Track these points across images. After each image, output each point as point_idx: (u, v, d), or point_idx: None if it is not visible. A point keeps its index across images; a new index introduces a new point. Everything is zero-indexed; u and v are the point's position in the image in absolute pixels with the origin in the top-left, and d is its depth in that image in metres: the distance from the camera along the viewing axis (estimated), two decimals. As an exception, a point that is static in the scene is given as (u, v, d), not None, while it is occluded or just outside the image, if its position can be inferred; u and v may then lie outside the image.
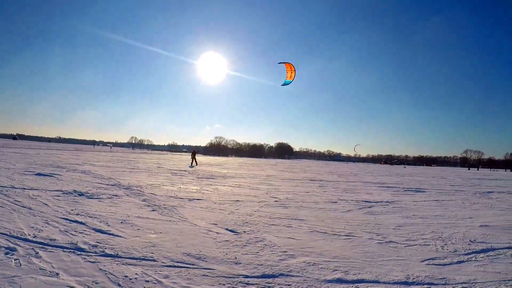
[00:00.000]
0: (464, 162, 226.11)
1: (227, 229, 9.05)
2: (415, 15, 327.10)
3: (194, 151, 52.64)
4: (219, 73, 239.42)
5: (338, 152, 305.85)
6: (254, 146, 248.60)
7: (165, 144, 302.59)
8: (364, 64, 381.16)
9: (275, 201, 14.75)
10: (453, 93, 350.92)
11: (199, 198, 14.36)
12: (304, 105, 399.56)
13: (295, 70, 25.48)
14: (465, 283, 6.28)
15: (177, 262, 6.30)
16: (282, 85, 26.56)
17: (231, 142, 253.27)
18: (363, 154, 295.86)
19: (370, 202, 16.52)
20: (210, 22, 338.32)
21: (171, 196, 14.29)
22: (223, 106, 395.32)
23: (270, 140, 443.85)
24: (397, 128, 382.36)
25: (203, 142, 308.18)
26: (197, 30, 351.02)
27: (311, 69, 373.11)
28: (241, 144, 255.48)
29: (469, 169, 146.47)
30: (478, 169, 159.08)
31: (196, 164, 46.04)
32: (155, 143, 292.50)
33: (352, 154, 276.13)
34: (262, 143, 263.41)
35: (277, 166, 60.46)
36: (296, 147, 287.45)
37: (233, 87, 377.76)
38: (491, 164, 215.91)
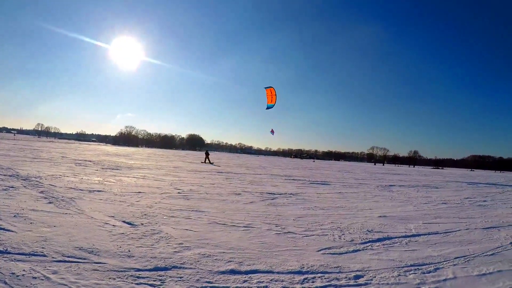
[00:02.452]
0: (371, 158, 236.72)
1: (124, 222, 8.74)
2: (336, 23, 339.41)
3: (207, 151, 53.97)
4: (133, 59, 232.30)
5: (250, 145, 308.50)
6: (166, 137, 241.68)
7: (73, 133, 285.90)
8: (281, 62, 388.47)
9: (178, 192, 14.57)
10: (363, 94, 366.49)
11: (100, 189, 13.85)
12: (219, 98, 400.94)
13: (276, 94, 25.99)
14: (359, 270, 6.42)
15: (68, 256, 6.00)
16: (266, 108, 27.19)
17: (142, 132, 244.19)
18: (274, 147, 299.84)
19: (274, 194, 16.72)
20: (125, 3, 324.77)
21: (71, 188, 13.61)
22: (136, 94, 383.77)
23: (182, 131, 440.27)
24: (308, 124, 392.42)
25: (113, 131, 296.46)
26: (110, 12, 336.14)
27: (229, 63, 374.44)
28: (152, 135, 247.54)
29: (375, 164, 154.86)
30: (383, 165, 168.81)
31: (210, 162, 47.02)
32: (63, 131, 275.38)
33: (263, 147, 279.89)
34: (173, 134, 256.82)
35: (187, 158, 60.37)
36: (208, 139, 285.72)
37: (148, 74, 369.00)
38: (396, 160, 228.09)
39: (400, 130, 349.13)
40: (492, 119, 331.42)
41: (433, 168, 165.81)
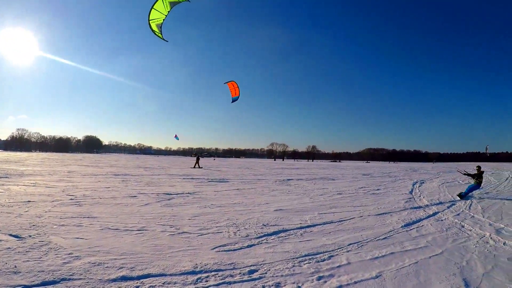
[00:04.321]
0: (271, 154, 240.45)
1: (10, 235, 8.11)
2: (239, 24, 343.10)
3: (198, 156, 53.25)
4: (26, 54, 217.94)
5: (149, 145, 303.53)
6: (61, 139, 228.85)
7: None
8: (181, 61, 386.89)
9: (71, 199, 13.85)
10: (261, 92, 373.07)
11: (-16, 201, 12.75)
12: (117, 97, 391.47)
13: (238, 87, 25.84)
14: (254, 265, 6.47)
15: None
16: (232, 102, 26.87)
17: (36, 135, 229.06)
18: (174, 147, 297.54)
19: (171, 194, 16.54)
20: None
21: None
22: (29, 93, 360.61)
23: (78, 133, 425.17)
24: (208, 123, 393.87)
25: (4, 135, 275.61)
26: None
27: (128, 61, 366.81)
28: (47, 138, 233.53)
29: (275, 160, 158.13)
30: (283, 160, 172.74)
31: (199, 167, 47.18)
32: None
33: (163, 147, 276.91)
34: (69, 136, 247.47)
35: (83, 161, 57.48)
36: (106, 141, 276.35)
37: (43, 71, 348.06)
38: (295, 155, 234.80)
39: (299, 126, 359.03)
40: (384, 113, 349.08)
41: (331, 161, 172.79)
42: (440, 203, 15.45)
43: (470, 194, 17.55)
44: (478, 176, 17.77)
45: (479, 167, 18.20)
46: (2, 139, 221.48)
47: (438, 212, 12.79)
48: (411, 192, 19.55)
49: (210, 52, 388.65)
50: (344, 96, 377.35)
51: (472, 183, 17.86)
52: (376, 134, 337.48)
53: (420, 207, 14.12)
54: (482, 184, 18.56)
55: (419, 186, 23.67)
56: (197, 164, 48.43)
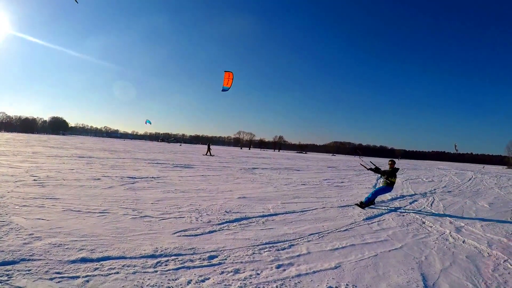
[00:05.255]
0: (237, 142, 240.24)
1: (-30, 215, 8.00)
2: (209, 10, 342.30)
3: (209, 143, 55.87)
4: None
5: (116, 128, 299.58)
6: (26, 120, 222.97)
7: None
8: (150, 45, 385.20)
9: (34, 180, 13.62)
10: (233, 81, 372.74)
11: None
12: (84, 78, 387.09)
13: (232, 79, 25.93)
14: (214, 251, 6.53)
15: None
16: (222, 90, 26.87)
17: (1, 115, 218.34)
18: (141, 131, 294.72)
19: (135, 178, 16.51)
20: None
21: None
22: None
23: (44, 114, 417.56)
24: (175, 108, 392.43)
25: None
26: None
27: (98, 41, 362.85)
28: (12, 118, 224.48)
29: (241, 148, 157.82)
30: (249, 149, 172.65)
31: (211, 155, 48.78)
32: None
33: (129, 131, 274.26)
34: (35, 116, 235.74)
35: (48, 143, 56.21)
36: (72, 122, 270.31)
37: (12, 50, 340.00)
38: (262, 144, 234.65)
39: (266, 116, 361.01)
40: (352, 107, 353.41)
41: (297, 152, 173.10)
42: (403, 198, 15.82)
43: (376, 199, 14.07)
44: (390, 175, 13.34)
45: (392, 162, 13.89)
46: None
47: (400, 208, 13.15)
48: (374, 186, 19.74)
49: (179, 36, 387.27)
50: (313, 87, 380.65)
51: (381, 184, 13.67)
52: (343, 128, 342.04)
53: (382, 201, 14.42)
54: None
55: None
56: (208, 152, 49.73)
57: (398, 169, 13.75)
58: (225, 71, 26.16)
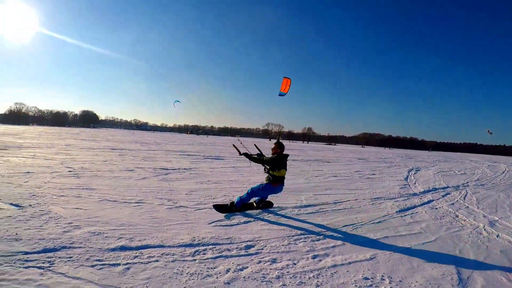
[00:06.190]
0: (266, 134, 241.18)
1: (11, 204, 8.21)
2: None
3: (279, 137, 54.00)
4: (25, 29, 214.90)
5: (145, 121, 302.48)
6: (58, 113, 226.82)
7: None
8: (178, 39, 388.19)
9: (69, 171, 13.96)
10: (258, 71, 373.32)
11: (-16, 172, 12.78)
12: (114, 73, 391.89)
13: (290, 85, 26.26)
14: (250, 241, 6.61)
15: (-49, 245, 5.57)
16: (278, 95, 27.15)
17: (33, 109, 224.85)
18: (170, 124, 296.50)
19: (167, 169, 16.74)
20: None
21: (-45, 171, 12.52)
22: (28, 69, 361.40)
23: (75, 107, 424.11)
24: (204, 100, 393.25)
25: (1, 109, 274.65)
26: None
27: (126, 37, 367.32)
28: (44, 112, 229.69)
29: (270, 140, 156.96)
30: (278, 140, 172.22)
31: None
32: None
33: (159, 123, 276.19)
34: (66, 110, 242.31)
35: (79, 135, 57.85)
36: (102, 116, 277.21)
37: (43, 47, 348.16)
38: (291, 136, 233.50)
39: (295, 107, 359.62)
40: (383, 98, 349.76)
41: (326, 144, 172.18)
42: (435, 191, 15.39)
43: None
44: (272, 165, 9.06)
45: (278, 145, 9.45)
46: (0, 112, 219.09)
47: (432, 200, 12.81)
48: (406, 179, 19.53)
49: (206, 30, 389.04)
50: (343, 79, 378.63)
51: (265, 180, 9.32)
52: (373, 119, 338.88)
53: (415, 194, 14.15)
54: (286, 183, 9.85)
55: (414, 174, 23.67)
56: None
57: (286, 155, 9.39)
58: (284, 77, 26.19)
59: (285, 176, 9.34)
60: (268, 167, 9.21)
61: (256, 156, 9.73)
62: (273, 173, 8.96)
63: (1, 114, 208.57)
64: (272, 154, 9.35)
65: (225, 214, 8.68)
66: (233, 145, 11.52)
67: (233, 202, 9.05)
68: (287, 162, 9.50)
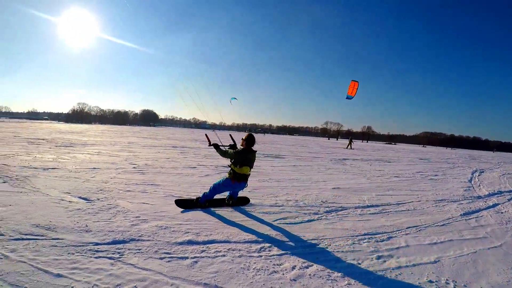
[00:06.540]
0: (325, 133, 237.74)
1: (80, 198, 8.59)
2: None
3: (351, 138, 62.11)
4: (88, 36, 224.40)
5: (204, 120, 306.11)
6: (119, 113, 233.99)
7: (25, 111, 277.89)
8: (236, 38, 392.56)
9: (134, 167, 14.44)
10: (318, 69, 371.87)
11: (54, 167, 13.36)
12: (173, 73, 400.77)
13: (357, 88, 26.69)
14: (314, 239, 6.63)
15: (26, 234, 5.90)
16: (346, 98, 27.81)
17: (95, 108, 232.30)
18: (228, 122, 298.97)
19: (229, 167, 16.62)
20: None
21: (25, 166, 13.13)
22: (90, 71, 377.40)
23: (135, 107, 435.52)
24: (263, 98, 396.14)
25: (65, 108, 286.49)
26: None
27: (182, 38, 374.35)
28: (105, 111, 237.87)
29: (328, 139, 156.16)
30: (337, 139, 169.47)
31: (351, 148, 53.53)
32: (14, 110, 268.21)
33: (217, 122, 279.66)
34: (127, 110, 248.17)
35: (141, 133, 59.05)
36: (162, 114, 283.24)
37: (103, 50, 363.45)
38: (349, 135, 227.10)
39: (355, 106, 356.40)
40: (443, 95, 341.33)
41: (386, 143, 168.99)
42: (501, 194, 14.79)
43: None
44: (235, 159, 8.35)
45: (248, 137, 8.39)
46: (64, 112, 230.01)
47: (498, 204, 12.34)
48: (470, 181, 18.90)
49: (262, 28, 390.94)
50: (403, 76, 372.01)
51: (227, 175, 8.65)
52: (434, 118, 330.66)
53: (479, 197, 13.66)
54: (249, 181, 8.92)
55: (478, 175, 22.82)
56: (349, 146, 54.14)
57: (252, 151, 8.40)
58: (352, 80, 26.15)
59: (248, 174, 8.43)
60: (230, 162, 8.48)
61: (223, 148, 8.99)
62: (234, 169, 8.27)
63: (65, 113, 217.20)
64: (241, 146, 8.54)
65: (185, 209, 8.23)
66: (205, 134, 10.17)
67: (199, 198, 8.63)
68: (254, 158, 8.49)
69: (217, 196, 8.95)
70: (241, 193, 9.85)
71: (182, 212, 7.97)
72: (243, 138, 8.41)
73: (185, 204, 8.47)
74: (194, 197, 9.02)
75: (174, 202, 8.57)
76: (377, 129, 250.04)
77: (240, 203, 9.16)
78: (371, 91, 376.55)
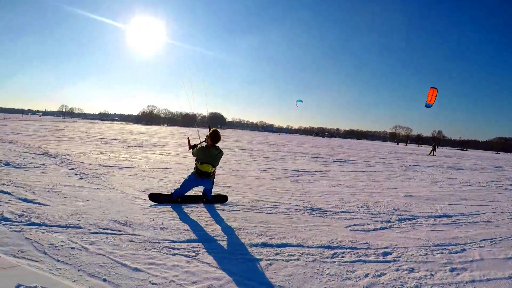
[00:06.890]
0: (393, 137, 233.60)
1: (155, 196, 8.95)
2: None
3: (435, 144, 63.14)
4: (156, 42, 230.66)
5: (271, 123, 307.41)
6: (187, 115, 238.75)
7: (96, 113, 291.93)
8: (301, 41, 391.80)
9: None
10: (386, 73, 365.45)
11: (128, 166, 14.11)
12: (240, 77, 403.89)
13: (436, 96, 26.70)
14: (387, 248, 6.52)
15: (104, 228, 6.18)
16: (425, 106, 27.87)
17: (164, 111, 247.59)
18: (295, 125, 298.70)
19: (298, 171, 16.92)
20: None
21: (100, 164, 13.80)
22: (158, 75, 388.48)
23: (203, 110, 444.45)
24: (330, 102, 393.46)
25: (135, 110, 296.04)
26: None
27: (248, 42, 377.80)
28: (174, 113, 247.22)
29: (397, 144, 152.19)
30: (406, 144, 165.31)
31: (434, 154, 54.02)
32: (86, 112, 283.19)
33: (284, 125, 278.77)
34: (195, 112, 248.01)
35: (210, 136, 59.45)
36: (229, 117, 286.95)
37: (170, 55, 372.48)
38: (419, 140, 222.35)
39: (424, 109, 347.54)
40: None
41: (457, 149, 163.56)
42: None
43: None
44: (196, 154, 8.58)
45: (211, 134, 8.69)
46: (134, 114, 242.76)
47: None
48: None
49: (328, 30, 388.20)
50: (476, 78, 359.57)
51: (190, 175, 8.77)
52: (509, 122, 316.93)
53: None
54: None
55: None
56: (432, 152, 54.21)
57: (214, 148, 8.54)
58: (430, 88, 25.73)
59: (210, 171, 8.38)
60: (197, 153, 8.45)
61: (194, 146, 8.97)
62: (197, 165, 8.37)
63: (135, 115, 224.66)
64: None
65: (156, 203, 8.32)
66: (188, 138, 10.19)
67: (172, 193, 8.65)
68: (218, 156, 8.61)
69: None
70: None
71: (254, 215, 8.04)
72: (207, 135, 8.60)
73: (158, 199, 8.58)
74: (169, 192, 9.12)
75: (148, 197, 8.63)
76: (448, 134, 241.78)
77: (216, 200, 9.07)
78: (442, 94, 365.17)
